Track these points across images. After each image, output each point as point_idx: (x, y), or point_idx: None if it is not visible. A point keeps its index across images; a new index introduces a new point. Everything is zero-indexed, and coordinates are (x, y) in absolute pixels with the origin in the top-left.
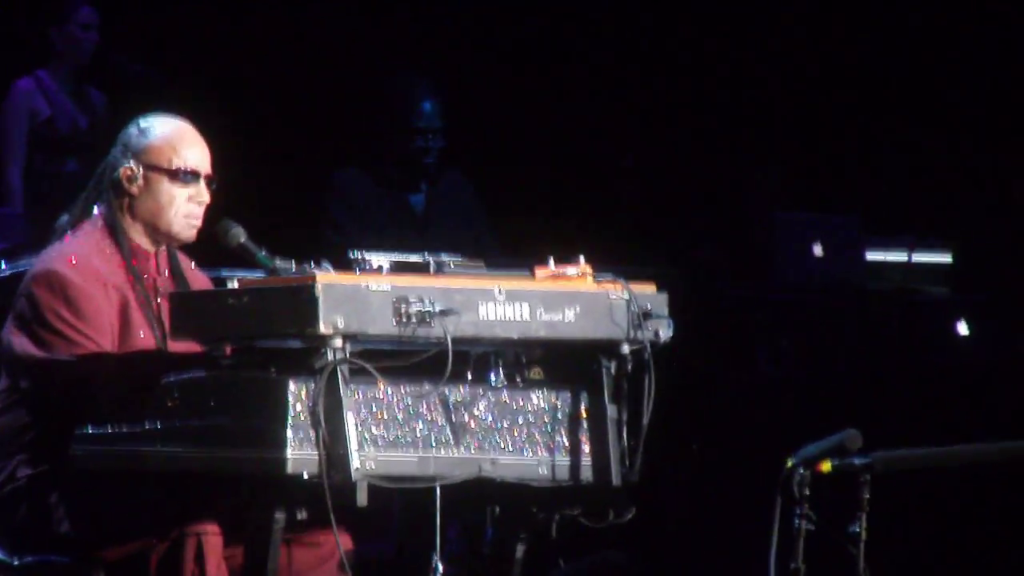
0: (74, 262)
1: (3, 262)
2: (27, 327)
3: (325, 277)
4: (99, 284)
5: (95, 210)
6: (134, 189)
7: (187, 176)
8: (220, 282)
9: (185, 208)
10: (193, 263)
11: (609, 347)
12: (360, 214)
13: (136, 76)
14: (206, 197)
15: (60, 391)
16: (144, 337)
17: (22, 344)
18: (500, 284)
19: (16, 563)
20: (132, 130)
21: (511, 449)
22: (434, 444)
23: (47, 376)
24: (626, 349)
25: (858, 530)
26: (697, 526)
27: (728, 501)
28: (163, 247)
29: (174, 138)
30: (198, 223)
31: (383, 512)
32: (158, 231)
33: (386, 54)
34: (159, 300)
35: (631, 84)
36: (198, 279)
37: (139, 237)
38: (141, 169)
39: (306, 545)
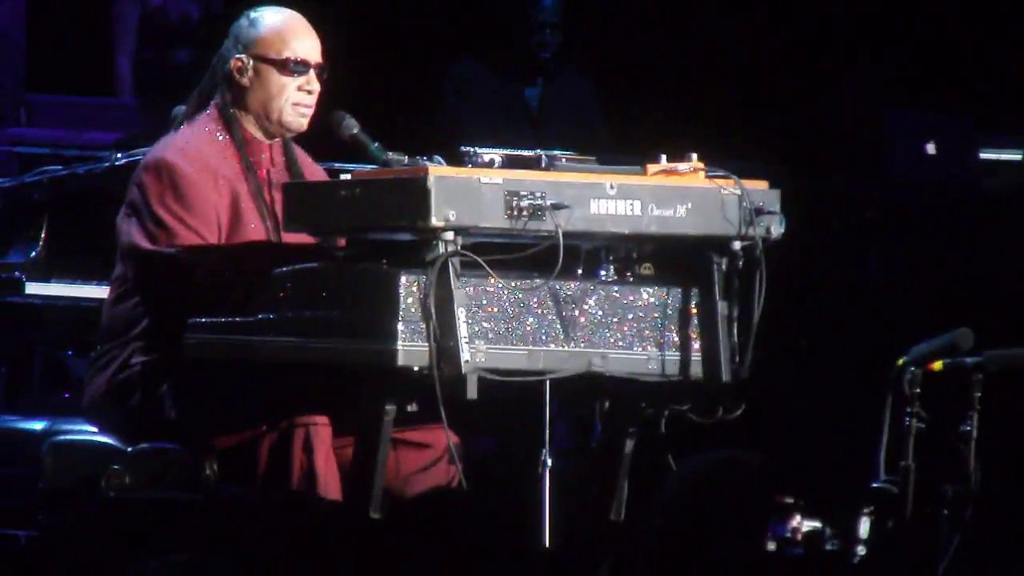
0: (186, 152)
1: (118, 152)
2: (136, 215)
3: (437, 170)
4: (209, 175)
5: (210, 102)
6: (245, 81)
7: (296, 66)
8: (334, 174)
9: (296, 96)
10: (310, 157)
11: (720, 243)
12: (476, 106)
13: None
14: (316, 86)
15: (160, 283)
16: (255, 228)
17: (130, 233)
18: (612, 179)
19: (129, 450)
20: (242, 22)
21: (621, 344)
22: (544, 338)
23: (152, 269)
24: (737, 245)
25: (969, 429)
26: (807, 424)
27: (839, 399)
28: (277, 139)
29: (283, 29)
30: (309, 112)
31: (489, 408)
32: (270, 121)
33: None
34: (273, 192)
35: None
36: (314, 171)
37: (252, 128)
38: (251, 61)
39: (414, 447)
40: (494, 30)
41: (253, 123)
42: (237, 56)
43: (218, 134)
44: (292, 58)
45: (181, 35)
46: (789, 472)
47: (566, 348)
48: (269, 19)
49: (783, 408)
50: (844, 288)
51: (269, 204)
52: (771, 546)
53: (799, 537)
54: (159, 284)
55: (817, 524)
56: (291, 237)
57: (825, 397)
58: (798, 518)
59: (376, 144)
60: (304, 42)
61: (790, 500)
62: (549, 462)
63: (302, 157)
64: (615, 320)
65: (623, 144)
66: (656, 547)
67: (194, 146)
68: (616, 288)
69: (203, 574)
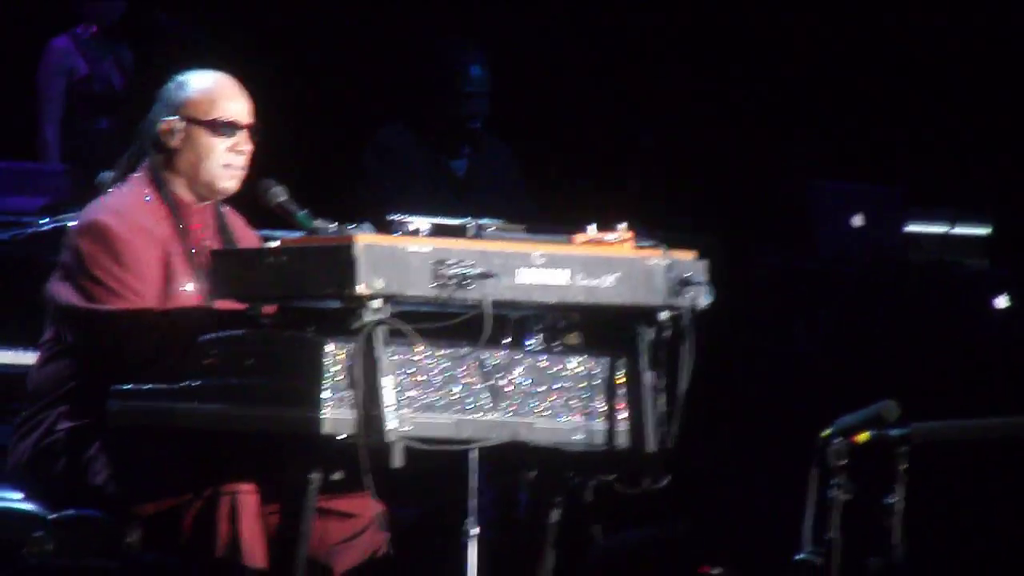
0: (119, 214)
1: (44, 217)
2: (72, 278)
3: (365, 238)
4: (143, 235)
5: (138, 166)
6: (175, 143)
7: (226, 128)
8: (261, 241)
9: (225, 158)
10: (243, 220)
11: (647, 313)
12: (400, 173)
13: (171, 31)
14: (247, 146)
15: (103, 342)
16: (187, 293)
17: (67, 295)
18: (540, 248)
19: (52, 516)
20: (171, 85)
21: (547, 413)
22: (471, 407)
23: (91, 327)
24: (664, 315)
25: (894, 501)
26: (732, 496)
27: (764, 471)
28: (209, 202)
29: (213, 90)
30: (240, 173)
31: (414, 476)
32: (200, 184)
33: (427, 14)
34: (204, 255)
35: (668, 51)
36: (246, 235)
37: (183, 191)
38: (181, 123)
39: (340, 516)
40: (420, 97)
41: (184, 185)
42: (166, 119)
43: (148, 196)
44: (221, 119)
45: (105, 103)
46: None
47: (493, 417)
48: (197, 81)
49: (709, 479)
50: (770, 358)
51: (200, 268)
52: None
53: None
54: (96, 343)
55: None
56: (221, 303)
57: (751, 468)
58: None
59: (304, 211)
60: (234, 103)
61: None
62: (475, 531)
63: (233, 220)
64: (542, 389)
65: (553, 213)
66: None
67: (126, 207)
68: (543, 357)
69: None
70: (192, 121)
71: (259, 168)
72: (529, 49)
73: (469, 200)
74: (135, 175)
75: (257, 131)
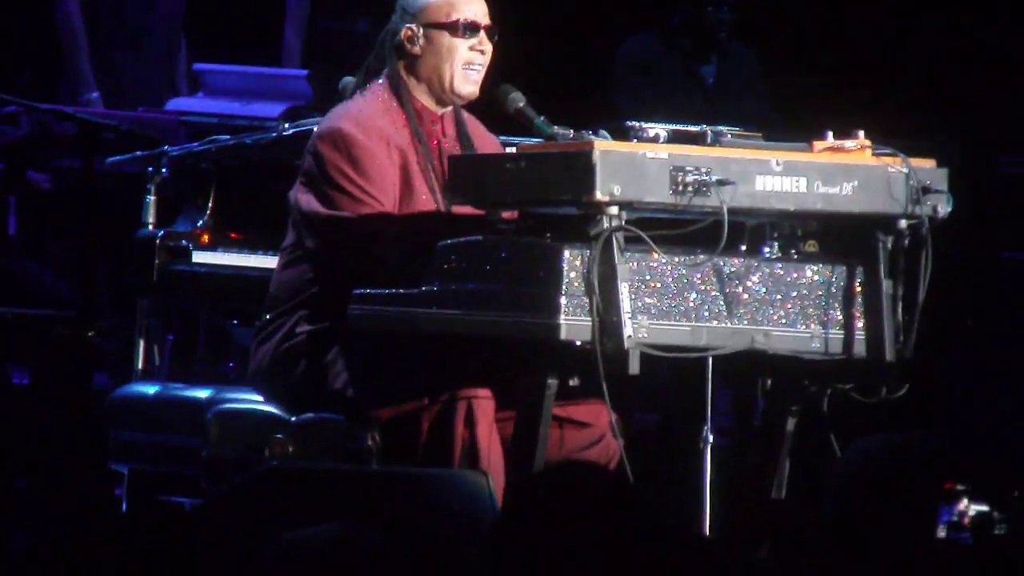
0: (359, 121)
1: (286, 123)
2: (313, 184)
3: (602, 144)
4: (383, 144)
5: (380, 73)
6: (416, 49)
7: (466, 28)
8: (501, 147)
9: (467, 56)
10: (483, 127)
11: (886, 222)
12: (651, 82)
13: None
14: (488, 46)
15: (344, 249)
16: (425, 199)
17: (308, 201)
18: (778, 156)
19: (293, 420)
20: None
21: (784, 322)
22: (707, 315)
23: (332, 234)
24: (903, 224)
25: None
26: (974, 411)
27: (1006, 378)
28: (449, 109)
29: None
30: (479, 74)
31: (650, 383)
32: (442, 87)
33: None
34: (443, 163)
35: None
36: (487, 142)
37: (424, 98)
38: (421, 28)
39: (577, 426)
40: (669, 5)
41: (425, 92)
42: (407, 26)
43: (391, 104)
44: (461, 20)
45: (360, 4)
46: (959, 455)
47: (729, 325)
48: None
49: (949, 388)
50: (1010, 266)
51: (440, 175)
52: (941, 533)
53: (966, 522)
54: (340, 249)
55: (985, 508)
56: (459, 208)
57: (992, 376)
58: (965, 502)
59: (541, 118)
60: (472, 5)
61: (961, 487)
62: (711, 439)
63: (474, 127)
64: (779, 297)
65: (790, 120)
66: (822, 530)
67: (367, 116)
68: (780, 265)
69: (362, 544)
70: (432, 25)
71: (498, 74)
72: None
73: (718, 106)
74: (377, 82)
75: (496, 32)
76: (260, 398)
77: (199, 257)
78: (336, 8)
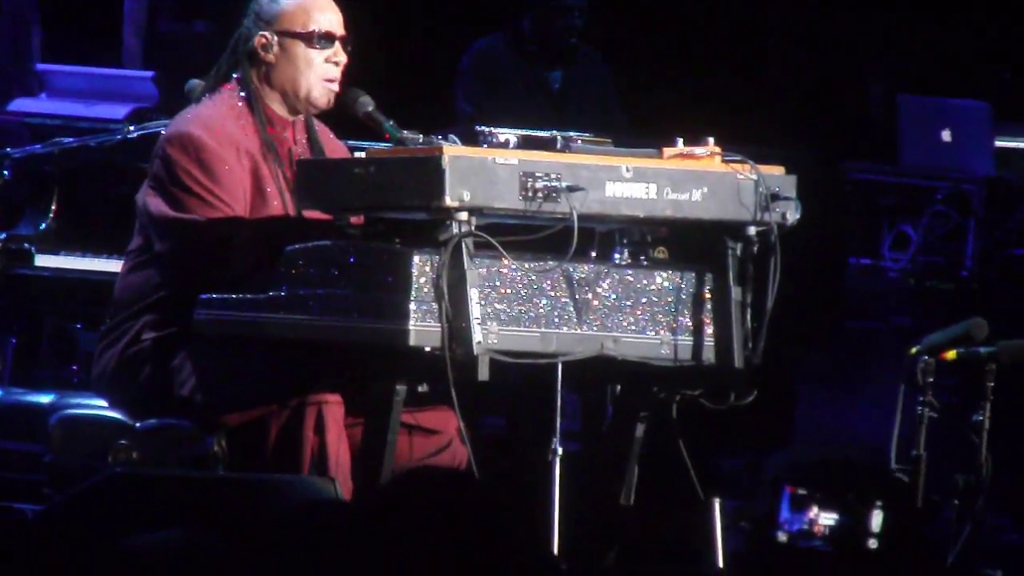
0: (209, 126)
1: (131, 125)
2: (162, 188)
3: (452, 149)
4: (233, 148)
5: (231, 77)
6: (271, 57)
7: (322, 39)
8: (350, 154)
9: (322, 69)
10: (332, 134)
11: (735, 228)
12: (496, 86)
13: None
14: (343, 57)
15: (194, 252)
16: (276, 205)
17: (157, 205)
18: (628, 162)
19: (138, 426)
20: None
21: (634, 328)
22: (556, 321)
23: (181, 236)
24: (752, 231)
25: (981, 419)
26: (819, 411)
27: (852, 385)
28: (301, 116)
29: (305, 2)
30: (335, 86)
31: (498, 388)
32: (297, 97)
33: None
34: (294, 168)
35: None
36: (336, 148)
37: (276, 105)
38: (275, 36)
39: (426, 432)
40: (516, 10)
41: (278, 100)
42: (261, 33)
43: (241, 109)
44: (317, 31)
45: (198, 6)
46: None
47: (579, 331)
48: None
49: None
50: (857, 273)
51: (290, 180)
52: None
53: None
54: (190, 252)
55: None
56: (310, 213)
57: (840, 383)
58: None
59: (391, 122)
60: (327, 15)
61: (803, 491)
62: (560, 448)
63: (324, 134)
64: (628, 304)
65: (639, 126)
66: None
67: (217, 120)
68: (630, 272)
69: (203, 550)
70: (287, 34)
71: (348, 78)
72: None
73: (564, 112)
74: (227, 86)
75: (350, 42)
76: (104, 403)
77: (42, 260)
78: (174, 10)
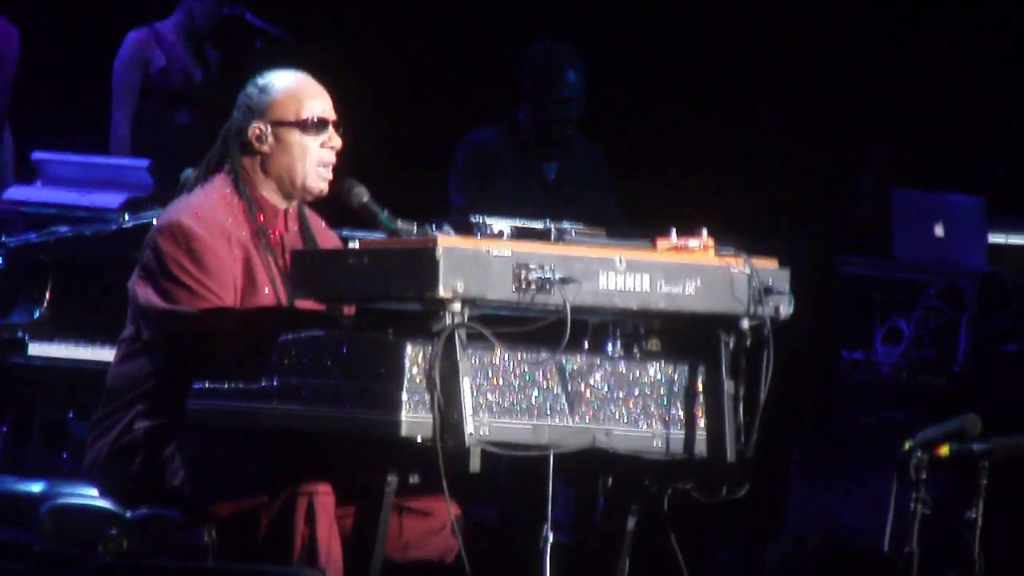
0: (200, 215)
1: (127, 214)
2: (152, 278)
3: (446, 240)
4: (224, 238)
5: (222, 166)
6: (265, 148)
7: (316, 126)
8: (342, 242)
9: (318, 155)
10: (323, 222)
11: (729, 321)
12: (490, 178)
13: (260, 33)
14: (338, 141)
15: (182, 343)
16: (268, 294)
17: (146, 295)
18: (621, 254)
19: (128, 515)
20: (251, 90)
21: (626, 420)
22: (549, 412)
23: (170, 328)
24: (746, 324)
25: (974, 516)
26: (812, 505)
27: (843, 481)
28: (293, 203)
29: (296, 90)
30: (330, 173)
31: (489, 477)
32: (293, 185)
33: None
34: (286, 256)
35: (751, 58)
36: (327, 237)
37: (270, 193)
38: (269, 127)
39: (418, 515)
40: (514, 102)
41: (272, 188)
42: (256, 124)
43: (232, 198)
44: (310, 118)
45: (183, 97)
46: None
47: (571, 423)
48: (280, 83)
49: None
50: (850, 368)
51: (282, 269)
52: None
53: None
54: (178, 343)
55: None
56: (302, 303)
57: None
58: None
59: (385, 212)
60: (319, 101)
61: None
62: (551, 537)
63: (316, 222)
64: (621, 395)
65: (633, 216)
66: None
67: (208, 209)
68: (622, 363)
69: None
70: (281, 123)
71: (342, 167)
72: (614, 49)
73: (559, 203)
74: (218, 175)
75: (342, 125)
76: (95, 492)
77: (35, 349)
78: (159, 102)
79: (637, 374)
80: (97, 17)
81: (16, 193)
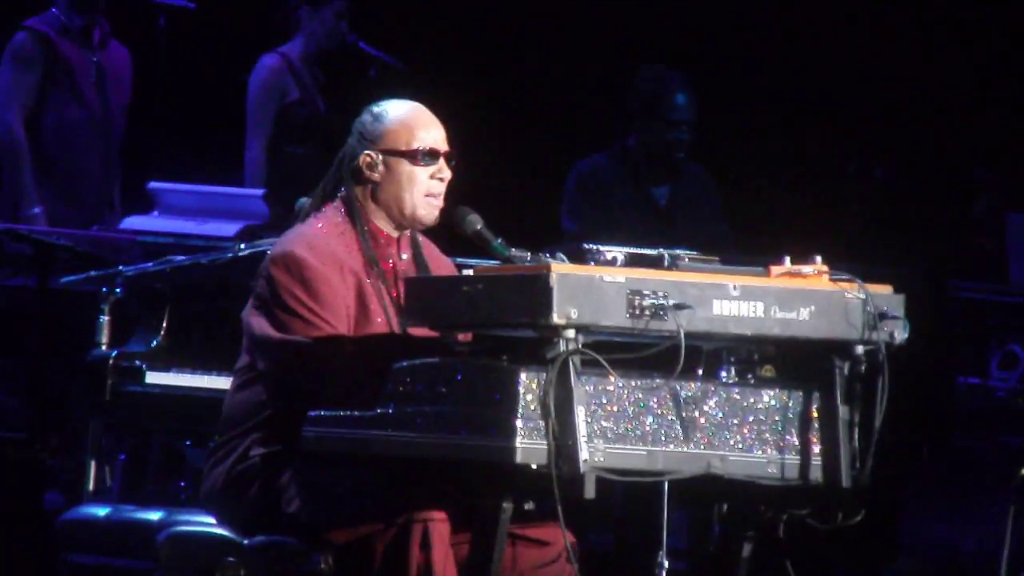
0: (313, 245)
1: (242, 243)
2: (265, 308)
3: (560, 267)
4: (336, 268)
5: (336, 195)
6: (376, 176)
7: (426, 156)
8: (457, 269)
9: (427, 186)
10: (438, 250)
11: (843, 347)
12: (602, 204)
13: (374, 61)
14: (447, 173)
15: (296, 373)
16: (380, 322)
17: (260, 325)
18: (735, 280)
19: (245, 543)
20: (366, 118)
21: (741, 446)
22: (663, 439)
23: (283, 357)
24: (860, 350)
25: None
26: (928, 532)
27: (959, 507)
28: (406, 232)
29: (409, 120)
30: (440, 202)
31: (604, 504)
32: (402, 215)
33: (630, 44)
34: (399, 285)
35: (864, 85)
36: (442, 264)
37: (382, 222)
38: (380, 155)
39: (532, 545)
40: (625, 128)
41: (383, 216)
42: (366, 152)
43: (345, 227)
44: (421, 148)
45: (310, 128)
46: None
47: (685, 449)
48: (394, 112)
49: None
50: (966, 393)
51: (395, 298)
52: None
53: None
54: (292, 373)
55: None
56: (415, 331)
57: (947, 504)
58: None
59: (499, 240)
60: (431, 132)
61: None
62: (666, 564)
63: (429, 250)
64: (735, 422)
65: (744, 240)
66: None
67: (321, 239)
68: (737, 390)
69: None
70: (392, 153)
71: (457, 197)
72: (724, 75)
73: (671, 228)
74: (331, 204)
75: (455, 157)
76: (213, 520)
77: (152, 378)
78: (289, 132)
79: (752, 400)
80: (214, 43)
81: (133, 223)
